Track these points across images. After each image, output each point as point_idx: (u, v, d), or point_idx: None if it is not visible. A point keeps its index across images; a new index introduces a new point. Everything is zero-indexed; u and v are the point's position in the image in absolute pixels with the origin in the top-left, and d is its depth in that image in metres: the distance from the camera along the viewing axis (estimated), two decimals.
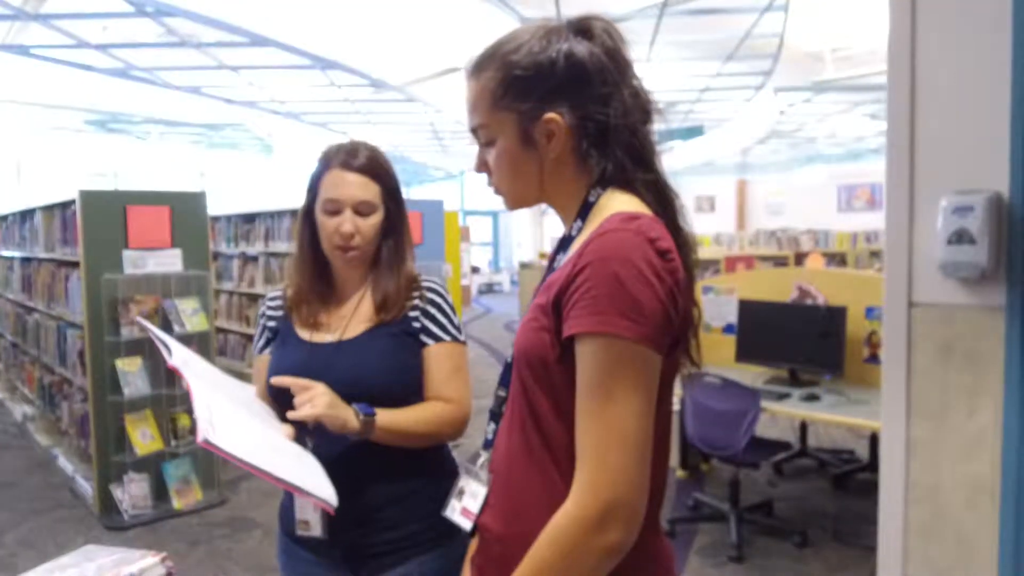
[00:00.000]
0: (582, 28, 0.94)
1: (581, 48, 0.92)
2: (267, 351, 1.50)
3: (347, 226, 1.38)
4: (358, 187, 1.39)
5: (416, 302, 1.44)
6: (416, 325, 1.43)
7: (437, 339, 1.43)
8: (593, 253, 0.83)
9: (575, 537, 0.82)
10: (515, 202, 1.01)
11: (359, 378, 1.35)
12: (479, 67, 0.96)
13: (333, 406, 1.24)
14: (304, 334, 1.44)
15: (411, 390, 1.41)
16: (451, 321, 1.46)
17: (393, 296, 1.42)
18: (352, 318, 1.43)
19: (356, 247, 1.40)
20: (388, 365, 1.38)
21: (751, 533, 3.60)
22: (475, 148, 1.02)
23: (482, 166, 1.00)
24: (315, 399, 1.23)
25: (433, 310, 1.44)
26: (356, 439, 1.29)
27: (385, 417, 1.30)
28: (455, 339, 1.45)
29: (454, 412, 1.41)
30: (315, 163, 1.45)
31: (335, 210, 1.39)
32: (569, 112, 0.91)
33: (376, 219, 1.42)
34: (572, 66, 0.91)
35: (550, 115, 0.91)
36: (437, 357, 1.42)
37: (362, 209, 1.39)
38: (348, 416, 1.26)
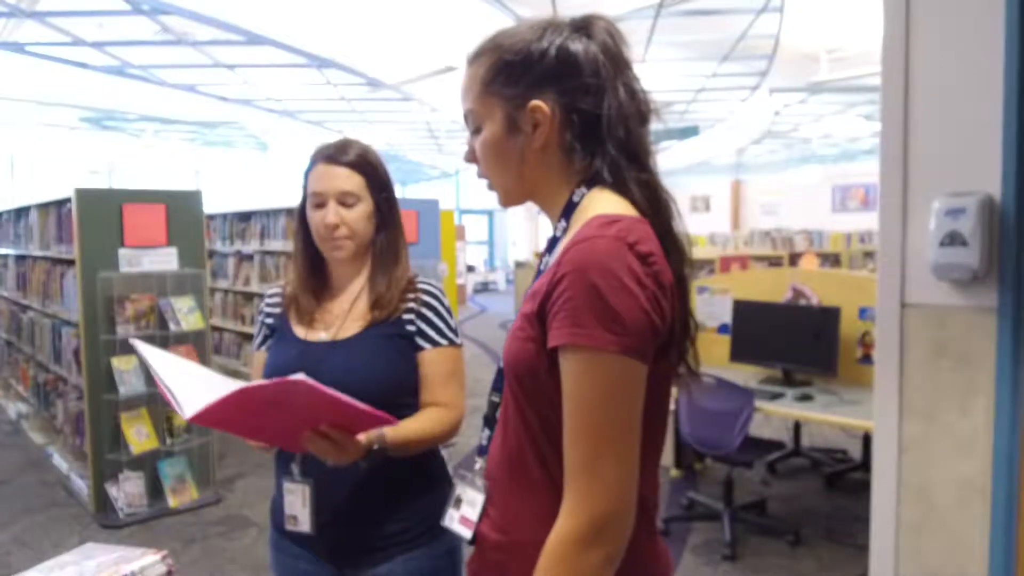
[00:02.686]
0: (583, 26, 0.94)
1: (576, 43, 0.92)
2: (264, 347, 1.52)
3: (331, 217, 1.40)
4: (340, 179, 1.41)
5: (411, 304, 1.44)
6: (411, 328, 1.43)
7: (433, 343, 1.43)
8: (571, 263, 0.81)
9: (570, 556, 0.81)
10: (504, 194, 1.00)
11: (351, 378, 1.34)
12: (476, 55, 0.97)
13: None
14: (300, 331, 1.45)
15: (403, 391, 1.41)
16: (447, 324, 1.46)
17: (386, 295, 1.42)
18: (347, 317, 1.44)
19: (341, 238, 1.41)
20: (380, 366, 1.39)
21: (745, 532, 3.61)
22: None
23: (471, 155, 1.00)
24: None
25: (429, 313, 1.44)
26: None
27: (393, 436, 1.30)
28: (451, 343, 1.45)
29: (450, 416, 1.42)
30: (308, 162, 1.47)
31: (320, 203, 1.41)
32: (556, 102, 0.91)
33: (362, 210, 1.43)
34: (562, 57, 0.91)
35: (536, 102, 0.91)
36: (433, 362, 1.43)
37: (345, 200, 1.41)
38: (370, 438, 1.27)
